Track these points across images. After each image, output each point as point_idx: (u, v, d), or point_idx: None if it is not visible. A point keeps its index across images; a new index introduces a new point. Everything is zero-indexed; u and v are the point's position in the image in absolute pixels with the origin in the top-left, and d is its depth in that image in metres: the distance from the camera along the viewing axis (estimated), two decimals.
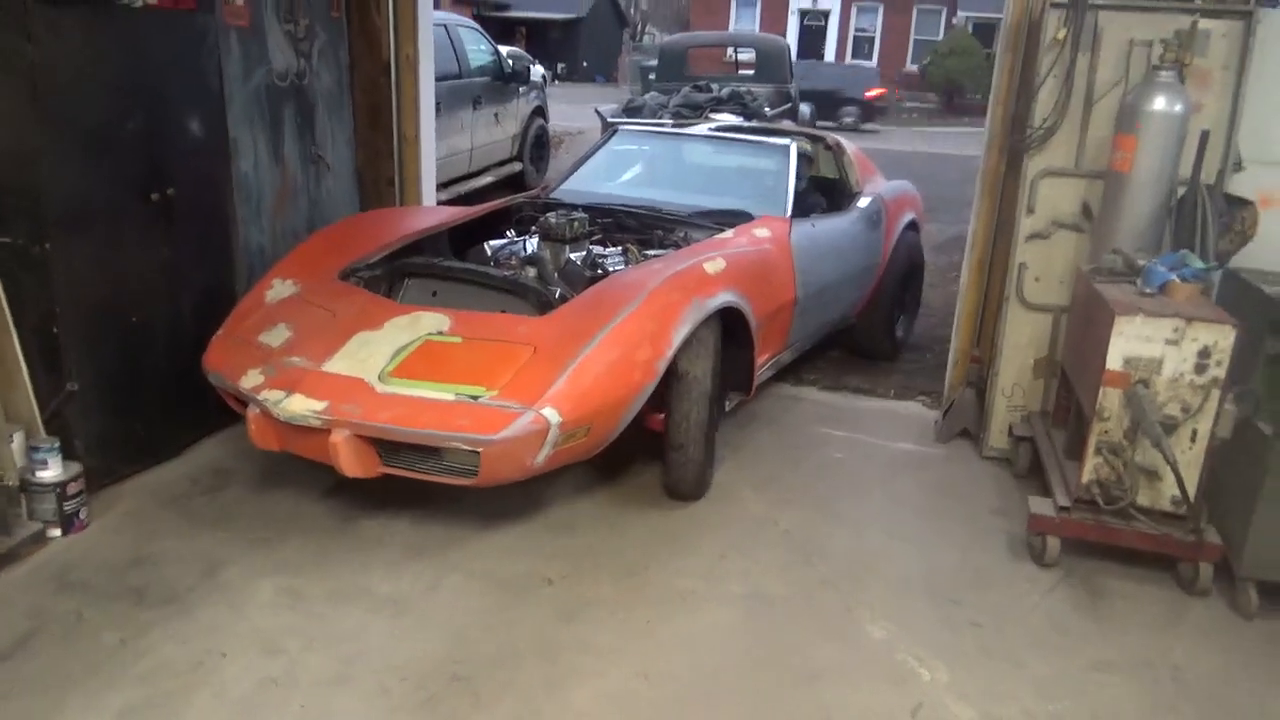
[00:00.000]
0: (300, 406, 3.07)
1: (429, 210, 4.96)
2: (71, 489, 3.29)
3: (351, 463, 3.10)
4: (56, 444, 3.29)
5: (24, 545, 3.18)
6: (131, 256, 3.54)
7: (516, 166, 10.41)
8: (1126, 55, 3.77)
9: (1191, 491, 3.07)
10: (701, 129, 5.94)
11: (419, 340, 3.28)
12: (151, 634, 2.79)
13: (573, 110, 17.09)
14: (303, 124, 4.52)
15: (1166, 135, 3.49)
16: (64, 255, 3.26)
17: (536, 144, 10.97)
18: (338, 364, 3.22)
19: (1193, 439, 3.06)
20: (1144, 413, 2.99)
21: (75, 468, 3.32)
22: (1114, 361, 3.08)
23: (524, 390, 3.04)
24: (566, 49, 31.62)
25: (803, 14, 29.16)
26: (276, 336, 3.46)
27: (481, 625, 2.90)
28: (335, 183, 4.81)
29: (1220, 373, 3.00)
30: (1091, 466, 3.20)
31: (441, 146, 7.07)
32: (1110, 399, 3.11)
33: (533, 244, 4.19)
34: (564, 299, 3.57)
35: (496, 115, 9.81)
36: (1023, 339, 4.15)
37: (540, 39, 30.33)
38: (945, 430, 4.43)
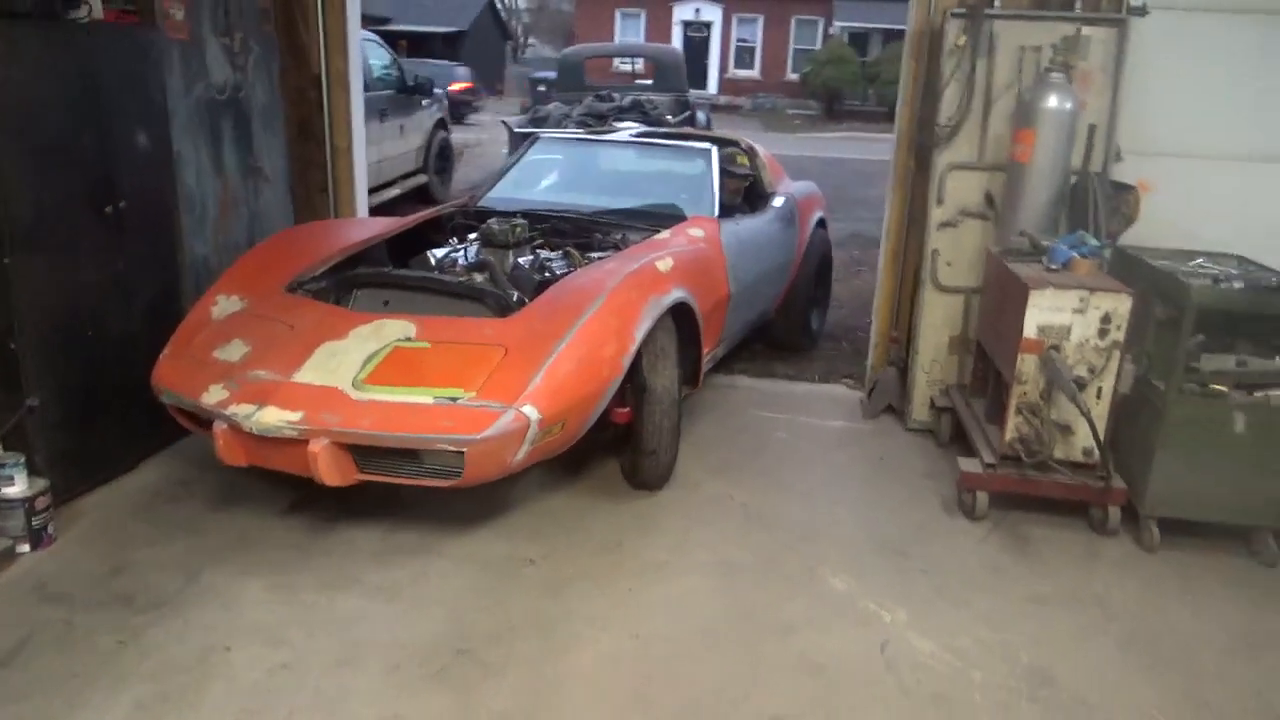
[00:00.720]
0: (274, 418, 3.09)
1: (362, 222, 5.02)
2: (40, 504, 3.28)
3: (331, 471, 3.12)
4: (21, 459, 3.28)
5: None
6: (87, 270, 3.54)
7: (422, 178, 10.45)
8: (1019, 59, 4.19)
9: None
10: (624, 135, 6.16)
11: (388, 347, 3.34)
12: (149, 635, 2.84)
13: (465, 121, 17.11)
14: (240, 136, 4.55)
15: (1059, 129, 3.91)
16: (24, 269, 3.26)
17: (441, 155, 11.02)
18: (308, 374, 3.25)
19: (1099, 395, 3.46)
20: (1059, 373, 3.36)
21: (42, 483, 3.31)
22: (1030, 330, 3.45)
23: (502, 390, 3.14)
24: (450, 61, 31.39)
25: (686, 25, 29.87)
26: (233, 351, 3.46)
27: (475, 604, 3.05)
28: (272, 194, 4.85)
29: (1120, 336, 3.41)
30: (1013, 425, 3.57)
31: None
32: (1028, 364, 3.49)
33: (473, 251, 4.29)
34: (521, 302, 3.69)
35: (401, 127, 9.84)
36: (938, 319, 4.53)
37: (423, 52, 30.02)
38: (872, 407, 4.78)
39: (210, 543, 3.36)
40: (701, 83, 28.81)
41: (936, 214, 4.42)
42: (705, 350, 4.32)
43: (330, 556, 3.30)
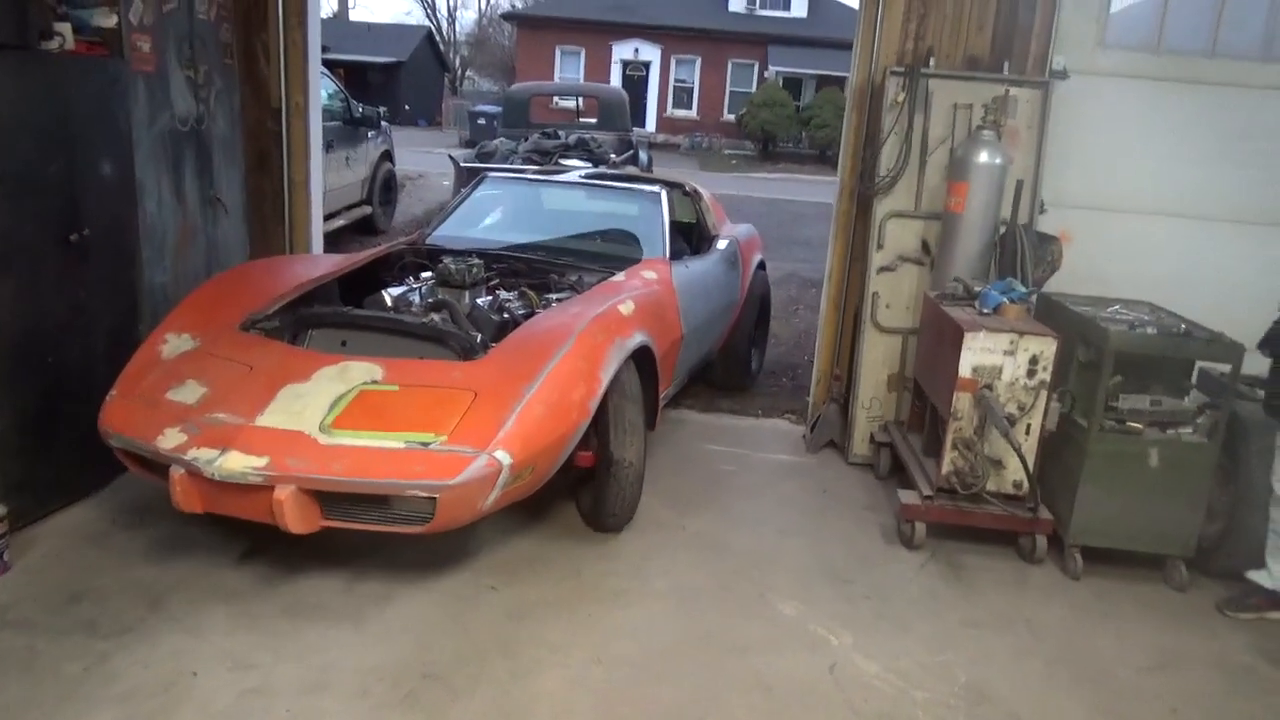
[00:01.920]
0: (238, 464, 2.98)
1: (313, 259, 4.91)
2: None
3: (296, 519, 3.02)
4: None
5: None
6: (51, 297, 3.56)
7: (366, 209, 10.48)
8: (953, 116, 4.50)
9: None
10: (573, 175, 6.31)
11: (355, 390, 3.26)
12: (114, 661, 2.85)
13: (405, 153, 17.07)
14: (201, 167, 4.60)
15: (990, 183, 4.21)
16: None
17: (385, 187, 11.08)
18: (272, 418, 3.15)
19: (1028, 432, 3.71)
20: (993, 410, 3.61)
21: None
22: (965, 370, 3.69)
23: (474, 434, 3.09)
24: (387, 92, 31.39)
25: (625, 64, 30.36)
26: (189, 393, 3.35)
27: (440, 629, 3.13)
28: (230, 224, 4.89)
29: (1046, 376, 3.67)
30: (949, 459, 3.79)
31: None
32: (963, 402, 3.73)
33: (427, 290, 4.26)
34: (484, 344, 3.66)
35: (347, 159, 9.89)
36: (877, 358, 4.77)
37: (360, 82, 29.98)
38: (814, 442, 4.99)
39: (170, 571, 3.37)
40: (640, 121, 29.29)
41: (876, 259, 4.67)
42: (661, 390, 4.44)
43: (296, 581, 3.35)
